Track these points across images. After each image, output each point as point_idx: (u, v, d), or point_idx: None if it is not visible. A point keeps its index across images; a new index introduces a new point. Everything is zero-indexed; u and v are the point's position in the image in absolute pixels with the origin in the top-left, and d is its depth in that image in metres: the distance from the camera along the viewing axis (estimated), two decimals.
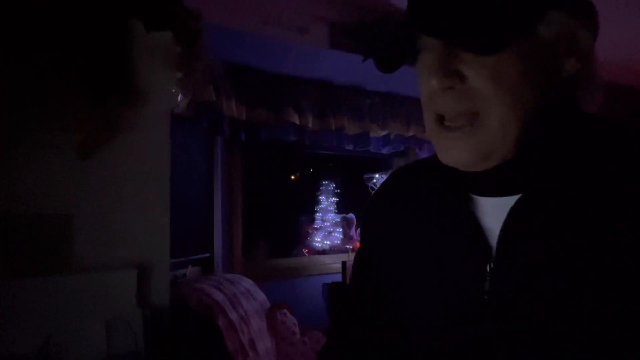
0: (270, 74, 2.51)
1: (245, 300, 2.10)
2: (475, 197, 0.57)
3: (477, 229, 0.55)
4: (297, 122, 2.56)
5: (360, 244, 0.74)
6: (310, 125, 2.62)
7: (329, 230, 3.29)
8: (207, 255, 2.53)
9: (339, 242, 3.25)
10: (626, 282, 0.45)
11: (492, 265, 0.53)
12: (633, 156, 0.50)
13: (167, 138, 1.58)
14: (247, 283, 2.29)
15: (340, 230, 3.26)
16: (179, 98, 1.60)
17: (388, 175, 0.77)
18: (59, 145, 1.39)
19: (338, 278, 2.75)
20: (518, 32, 0.49)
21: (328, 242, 3.24)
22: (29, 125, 1.36)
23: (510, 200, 0.53)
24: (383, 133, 2.93)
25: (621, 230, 0.46)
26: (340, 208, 3.36)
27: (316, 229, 3.30)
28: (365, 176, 3.24)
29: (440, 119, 0.53)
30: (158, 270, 1.53)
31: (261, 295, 2.29)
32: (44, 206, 1.37)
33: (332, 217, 3.32)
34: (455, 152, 0.52)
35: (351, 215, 3.25)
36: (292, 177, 3.52)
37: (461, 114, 0.51)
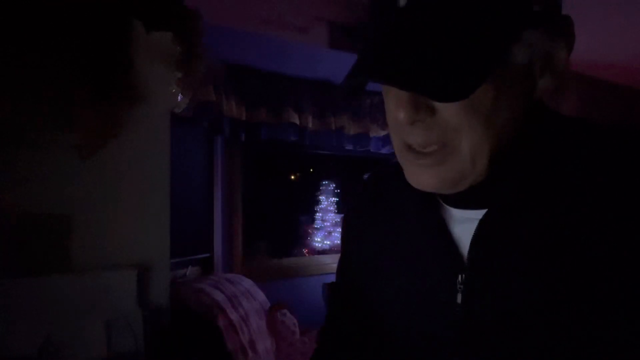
0: (270, 74, 2.51)
1: (245, 300, 2.10)
2: (447, 206, 0.57)
3: (448, 239, 0.55)
4: (297, 122, 2.56)
5: (341, 250, 0.74)
6: (310, 125, 2.62)
7: (329, 230, 3.29)
8: (207, 255, 2.53)
9: (339, 242, 3.25)
10: (597, 289, 0.44)
11: (463, 276, 0.52)
12: (604, 163, 0.48)
13: (167, 138, 1.58)
14: (247, 283, 2.29)
15: (340, 230, 3.26)
16: (179, 98, 1.60)
17: (364, 179, 0.77)
18: (59, 145, 1.39)
19: None
20: (493, 66, 0.44)
21: (328, 242, 3.25)
22: (29, 125, 1.36)
23: (481, 212, 0.52)
24: (383, 133, 2.93)
25: (591, 239, 0.46)
26: (340, 208, 3.37)
27: (316, 229, 3.30)
28: (365, 176, 3.24)
29: (409, 145, 0.51)
30: (158, 270, 1.53)
31: (261, 295, 2.29)
32: (43, 206, 1.37)
33: (332, 217, 3.32)
34: (424, 178, 0.51)
35: None
36: (292, 177, 3.51)
37: (430, 144, 0.49)
